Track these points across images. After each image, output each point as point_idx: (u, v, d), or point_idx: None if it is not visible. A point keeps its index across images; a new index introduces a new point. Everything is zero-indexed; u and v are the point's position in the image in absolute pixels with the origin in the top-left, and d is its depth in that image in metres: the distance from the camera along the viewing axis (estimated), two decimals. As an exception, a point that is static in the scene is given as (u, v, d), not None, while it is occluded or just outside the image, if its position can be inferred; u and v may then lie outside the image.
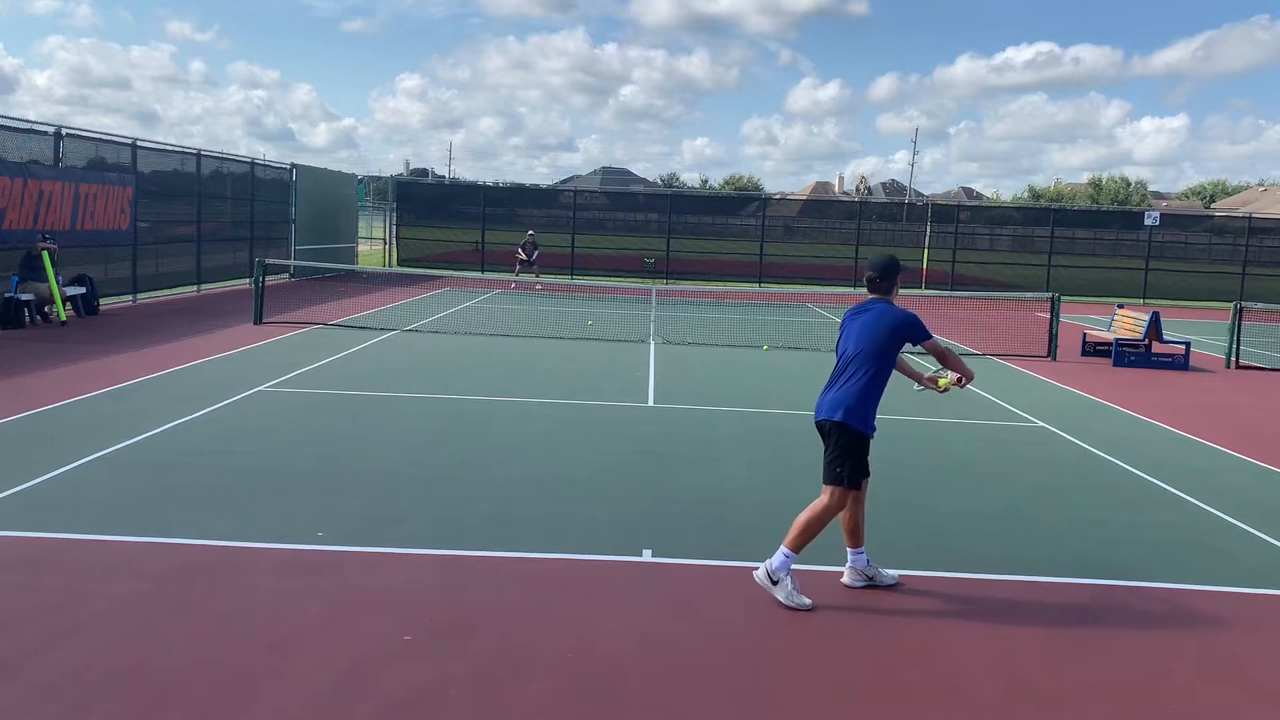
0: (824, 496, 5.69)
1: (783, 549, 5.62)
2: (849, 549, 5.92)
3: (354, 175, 35.55)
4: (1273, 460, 9.86)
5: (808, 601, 5.55)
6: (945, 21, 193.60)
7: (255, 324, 16.83)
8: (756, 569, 5.71)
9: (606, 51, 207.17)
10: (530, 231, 29.75)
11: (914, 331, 5.71)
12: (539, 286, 26.89)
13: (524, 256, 27.90)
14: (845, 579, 5.94)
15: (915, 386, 6.19)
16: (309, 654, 4.77)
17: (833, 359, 6.01)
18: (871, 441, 5.78)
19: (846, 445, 5.65)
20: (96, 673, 4.49)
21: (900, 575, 6.07)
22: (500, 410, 10.76)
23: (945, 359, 5.90)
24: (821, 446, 5.81)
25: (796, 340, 18.15)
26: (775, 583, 5.58)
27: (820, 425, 5.82)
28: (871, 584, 5.91)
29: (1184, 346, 17.33)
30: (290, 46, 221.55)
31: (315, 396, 11.00)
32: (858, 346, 5.73)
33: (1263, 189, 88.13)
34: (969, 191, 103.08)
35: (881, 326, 5.71)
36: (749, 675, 4.78)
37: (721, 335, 18.59)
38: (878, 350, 5.69)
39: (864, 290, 6.03)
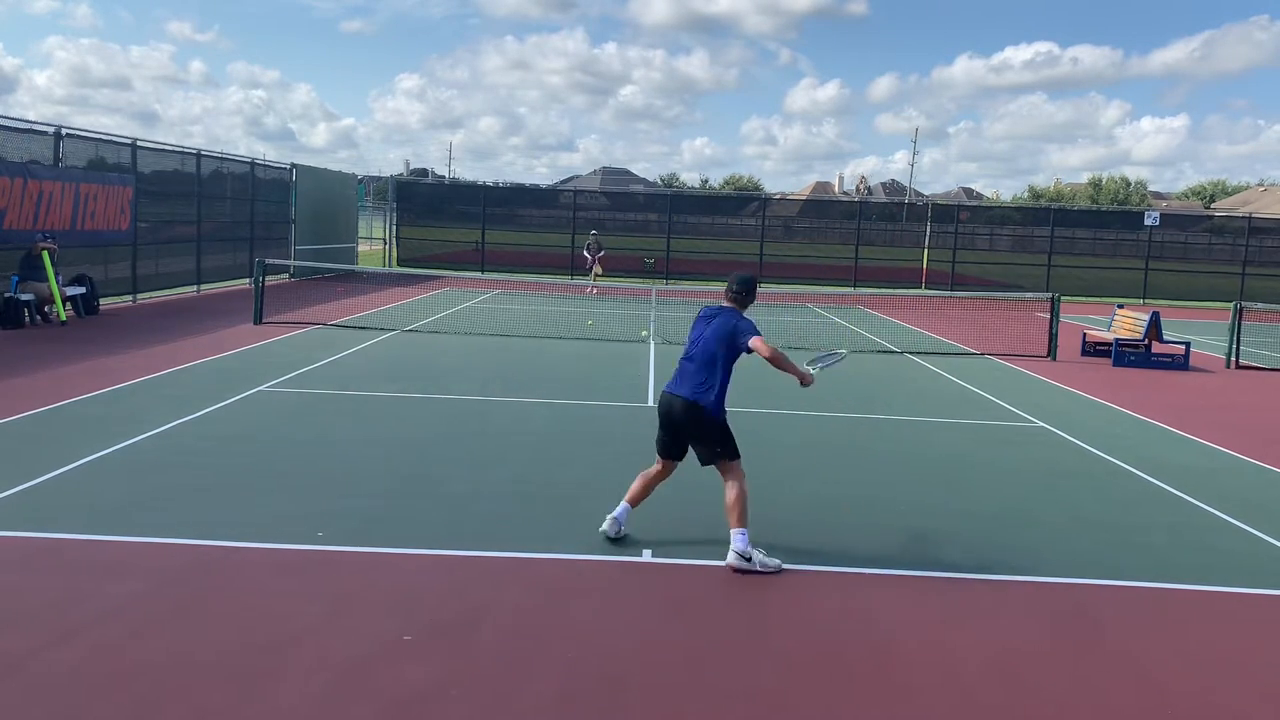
0: (734, 475, 6.28)
1: (736, 531, 6.10)
2: (630, 505, 6.54)
3: (354, 175, 35.49)
4: (1273, 460, 9.86)
5: (778, 561, 6.09)
6: (944, 21, 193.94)
7: (255, 324, 16.83)
8: (727, 560, 6.10)
9: (606, 51, 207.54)
10: (594, 231, 29.24)
11: (742, 339, 6.34)
12: (592, 290, 26.37)
13: (589, 258, 27.56)
14: (607, 528, 6.47)
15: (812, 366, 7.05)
16: (309, 654, 4.77)
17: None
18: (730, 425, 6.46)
19: (720, 432, 6.36)
20: (96, 672, 4.50)
21: (900, 575, 6.10)
22: (500, 410, 10.76)
23: (777, 364, 6.49)
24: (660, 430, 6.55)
25: (796, 340, 18.13)
26: (749, 560, 6.03)
27: (679, 405, 6.35)
28: (620, 535, 6.44)
29: (1184, 346, 17.35)
30: (290, 46, 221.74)
31: (315, 396, 11.00)
32: (710, 347, 6.39)
33: (1262, 189, 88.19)
34: (969, 191, 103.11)
35: (725, 331, 6.39)
36: (749, 675, 4.78)
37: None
38: (728, 352, 6.37)
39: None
